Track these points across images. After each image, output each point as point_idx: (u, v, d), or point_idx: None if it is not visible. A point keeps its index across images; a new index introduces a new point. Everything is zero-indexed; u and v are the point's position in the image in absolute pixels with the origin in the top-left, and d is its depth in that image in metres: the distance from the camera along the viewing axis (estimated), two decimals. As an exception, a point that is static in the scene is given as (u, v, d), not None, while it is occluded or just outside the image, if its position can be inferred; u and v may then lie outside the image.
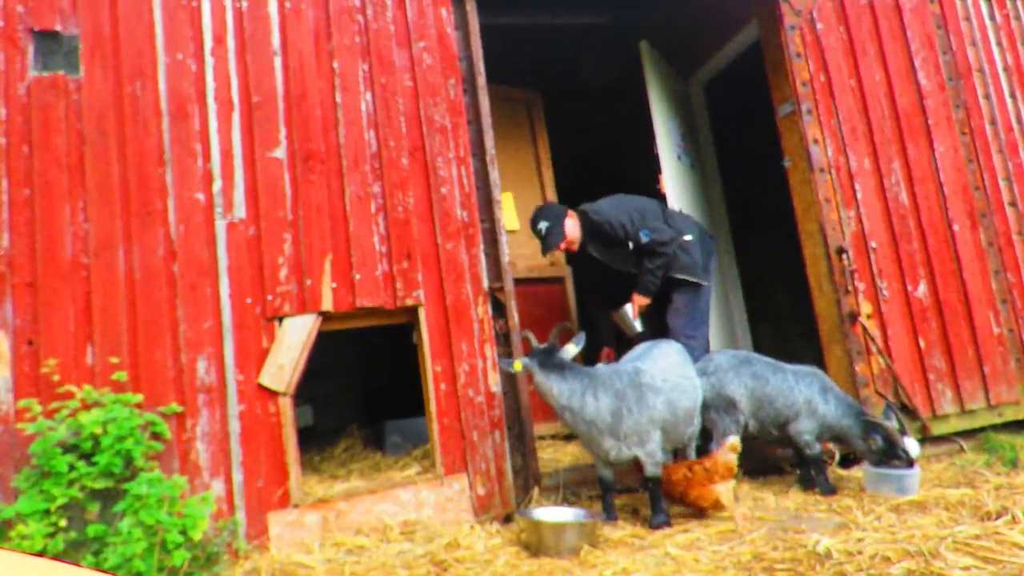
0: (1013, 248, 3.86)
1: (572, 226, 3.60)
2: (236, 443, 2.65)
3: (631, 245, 3.50)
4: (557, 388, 2.60)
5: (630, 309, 3.54)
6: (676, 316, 3.58)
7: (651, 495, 2.66)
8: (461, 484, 2.88)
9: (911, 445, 2.79)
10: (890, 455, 2.78)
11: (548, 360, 2.63)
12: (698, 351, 3.46)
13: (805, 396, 2.95)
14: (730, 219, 5.04)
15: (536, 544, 2.40)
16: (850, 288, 3.51)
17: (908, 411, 3.41)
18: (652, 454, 2.65)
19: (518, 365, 2.67)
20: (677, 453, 3.08)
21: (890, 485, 2.75)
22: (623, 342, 3.63)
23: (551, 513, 2.56)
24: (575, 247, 3.64)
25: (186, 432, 2.60)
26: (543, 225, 3.55)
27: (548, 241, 3.55)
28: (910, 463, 2.77)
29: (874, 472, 2.83)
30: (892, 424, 2.81)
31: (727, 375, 3.02)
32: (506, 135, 4.41)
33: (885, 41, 3.86)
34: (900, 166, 3.76)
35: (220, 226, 2.78)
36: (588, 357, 3.45)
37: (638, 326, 3.52)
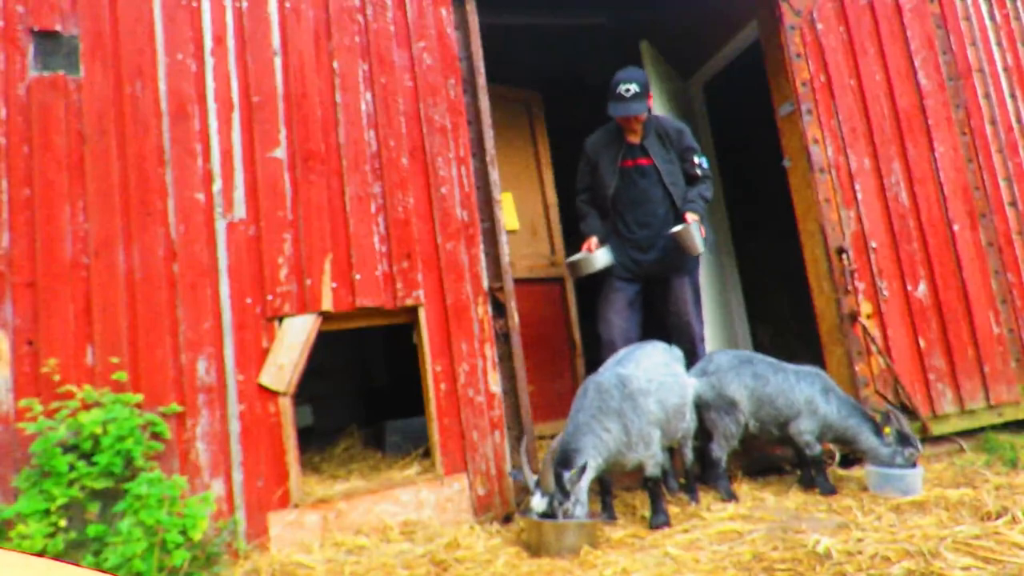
0: (1013, 248, 3.86)
1: (649, 106, 3.44)
2: (236, 443, 2.65)
3: (688, 163, 3.48)
4: (594, 465, 2.49)
5: (696, 227, 3.27)
6: (689, 306, 3.48)
7: (651, 495, 2.66)
8: (461, 484, 2.88)
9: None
10: (904, 442, 2.82)
11: (562, 467, 2.44)
12: (703, 345, 3.46)
13: (806, 396, 2.95)
14: (730, 219, 5.04)
15: (537, 543, 2.40)
16: (850, 288, 3.51)
17: (908, 411, 3.41)
18: (655, 455, 2.66)
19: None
20: (673, 452, 3.08)
21: (894, 485, 2.75)
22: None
23: None
24: (637, 127, 3.45)
25: (186, 432, 2.60)
26: (633, 87, 3.32)
27: (633, 106, 3.32)
28: (914, 462, 2.81)
29: (878, 472, 2.83)
30: (895, 410, 2.90)
31: (727, 375, 3.02)
32: (506, 135, 4.40)
33: (885, 41, 3.86)
34: (900, 166, 3.76)
35: (220, 226, 2.78)
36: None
37: (700, 247, 3.27)
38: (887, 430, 2.86)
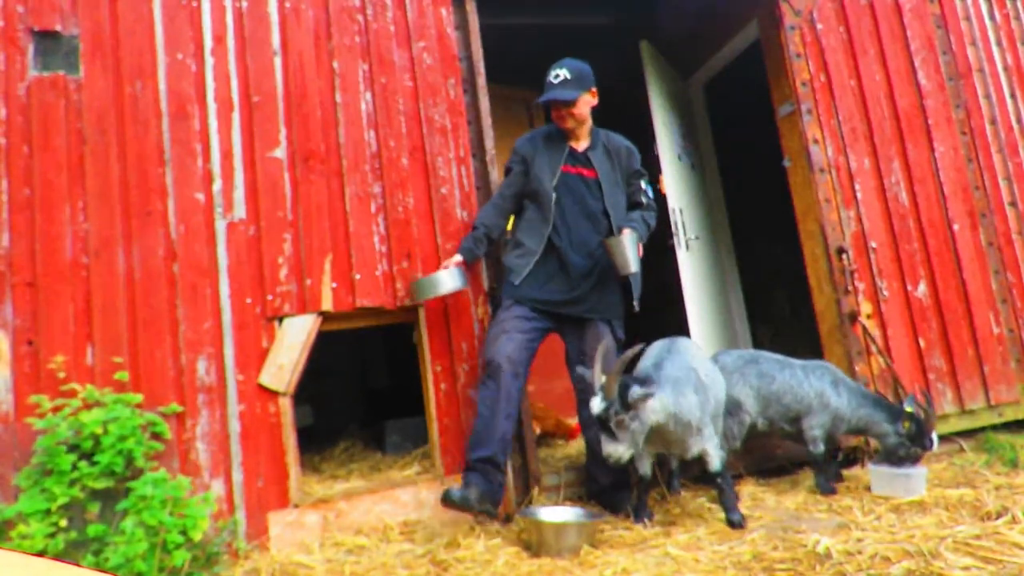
0: (1013, 248, 3.86)
1: (590, 102, 2.93)
2: (236, 443, 2.65)
3: (635, 188, 3.01)
4: (660, 401, 2.39)
5: (632, 239, 2.75)
6: (612, 354, 2.84)
7: (720, 491, 2.61)
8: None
9: (933, 436, 2.84)
10: (917, 442, 2.80)
11: (634, 381, 2.36)
12: None
13: (816, 390, 2.94)
14: (730, 219, 5.04)
15: (537, 543, 2.40)
16: (850, 288, 3.51)
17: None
18: (718, 446, 2.61)
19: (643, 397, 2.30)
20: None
21: (899, 484, 2.75)
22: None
23: (552, 513, 2.56)
24: (572, 124, 2.91)
25: (186, 432, 2.60)
26: (563, 73, 2.85)
27: (558, 91, 2.84)
28: (917, 459, 2.81)
29: (882, 472, 2.82)
30: (929, 411, 2.83)
31: (732, 376, 3.01)
32: (506, 135, 4.41)
33: (885, 41, 3.86)
34: (900, 166, 3.76)
35: (220, 226, 2.78)
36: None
37: (634, 265, 2.74)
38: (907, 424, 2.83)
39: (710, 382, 2.65)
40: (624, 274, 2.77)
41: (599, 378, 2.36)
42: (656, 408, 2.37)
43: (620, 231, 2.83)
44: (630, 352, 2.34)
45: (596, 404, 2.30)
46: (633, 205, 3.02)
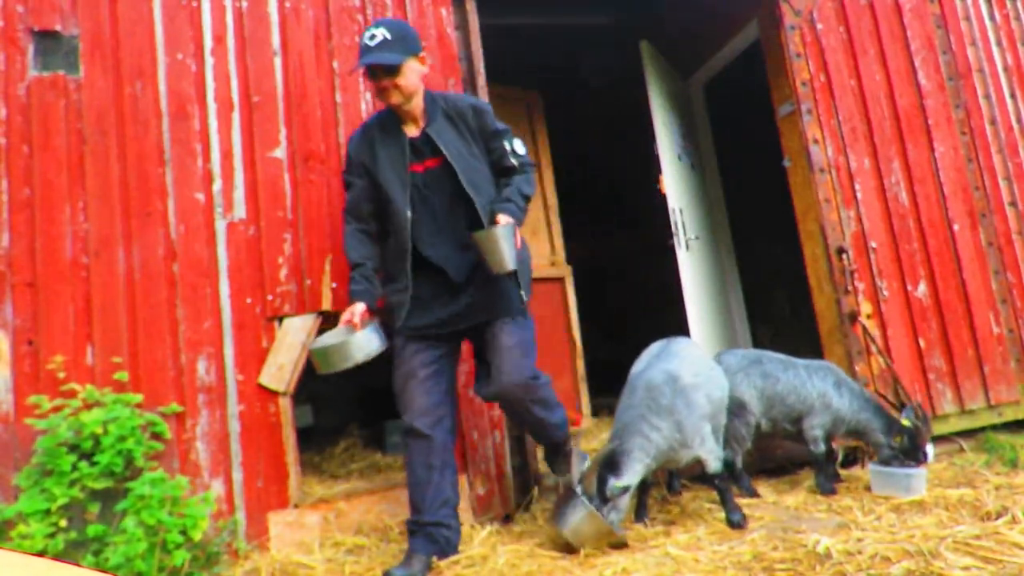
0: (1013, 248, 3.86)
1: (419, 70, 2.39)
2: (236, 443, 2.65)
3: (498, 152, 2.48)
4: (642, 468, 2.45)
5: (506, 231, 2.23)
6: (512, 354, 2.40)
7: (719, 492, 2.61)
8: (461, 484, 2.88)
9: (928, 448, 2.83)
10: (909, 456, 2.80)
11: (608, 471, 2.40)
12: (549, 390, 2.56)
13: (819, 390, 2.94)
14: (730, 219, 5.05)
15: (560, 526, 2.39)
16: (850, 288, 3.51)
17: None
18: (713, 449, 2.60)
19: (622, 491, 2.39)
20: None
21: (898, 485, 2.75)
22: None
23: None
24: (398, 99, 2.35)
25: (186, 432, 2.60)
26: (381, 32, 2.29)
27: (375, 54, 2.27)
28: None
29: (882, 472, 2.82)
30: (923, 427, 2.83)
31: (736, 377, 3.00)
32: (506, 135, 4.40)
33: (885, 41, 3.86)
34: (900, 166, 3.76)
35: (220, 226, 2.78)
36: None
37: (510, 262, 2.23)
38: (898, 439, 2.84)
39: (702, 380, 2.63)
40: (498, 272, 2.26)
41: (578, 473, 2.43)
42: (636, 480, 2.43)
43: (493, 217, 2.34)
44: (605, 449, 2.42)
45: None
46: (504, 171, 2.49)
